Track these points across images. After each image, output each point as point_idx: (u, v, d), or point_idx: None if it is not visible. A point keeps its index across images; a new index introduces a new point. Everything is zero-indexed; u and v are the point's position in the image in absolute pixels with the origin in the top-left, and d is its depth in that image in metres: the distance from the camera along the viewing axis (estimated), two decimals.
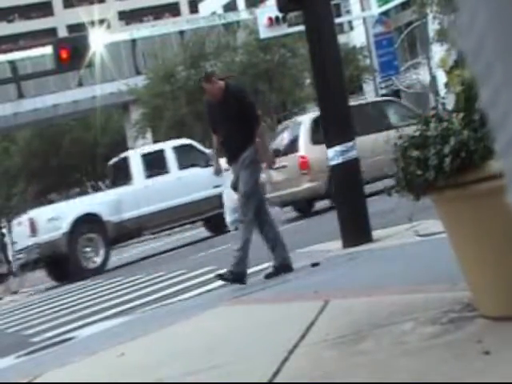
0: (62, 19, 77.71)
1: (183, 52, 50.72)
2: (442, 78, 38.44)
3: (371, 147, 14.15)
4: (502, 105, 0.78)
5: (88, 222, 19.26)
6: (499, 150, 0.83)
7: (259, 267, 10.88)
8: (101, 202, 19.83)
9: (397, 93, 45.06)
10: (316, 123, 14.77)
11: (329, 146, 8.91)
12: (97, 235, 19.35)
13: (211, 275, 10.84)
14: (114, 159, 22.75)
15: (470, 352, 3.23)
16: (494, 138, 0.83)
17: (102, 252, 19.51)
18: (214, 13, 64.14)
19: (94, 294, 14.94)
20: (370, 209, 8.91)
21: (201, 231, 26.22)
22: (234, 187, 8.63)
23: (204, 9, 69.04)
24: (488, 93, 0.80)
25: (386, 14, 45.10)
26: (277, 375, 3.75)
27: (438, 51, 39.25)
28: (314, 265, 7.99)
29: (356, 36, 49.61)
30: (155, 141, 51.68)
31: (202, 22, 59.50)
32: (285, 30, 33.73)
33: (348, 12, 48.56)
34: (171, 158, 20.47)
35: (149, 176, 20.26)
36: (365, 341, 3.91)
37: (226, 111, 8.39)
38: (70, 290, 17.81)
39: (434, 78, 41.01)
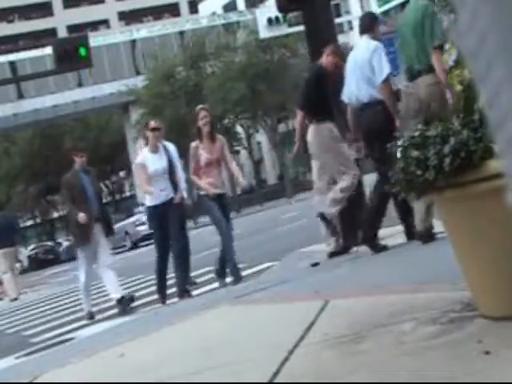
0: (61, 19, 77.71)
1: (183, 52, 50.77)
2: None
3: None
4: (502, 105, 0.78)
5: None
6: (499, 151, 0.83)
7: (259, 267, 10.92)
8: None
9: (397, 93, 44.96)
10: None
11: None
12: None
13: (211, 275, 10.86)
14: None
15: (470, 352, 3.23)
16: (494, 139, 0.82)
17: None
18: (214, 13, 64.14)
19: (94, 294, 14.94)
20: None
21: (201, 231, 26.23)
22: None
23: (204, 9, 69.07)
24: (488, 93, 0.79)
25: (385, 13, 45.08)
26: (277, 375, 3.75)
27: None
28: (314, 265, 8.00)
29: (356, 36, 49.58)
30: None
31: (202, 22, 59.52)
32: (285, 30, 33.79)
33: (348, 12, 48.57)
34: None
35: None
36: (365, 341, 3.91)
37: None
38: (70, 291, 17.80)
39: None
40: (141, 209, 36.32)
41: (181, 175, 9.93)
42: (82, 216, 10.05)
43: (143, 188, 9.75)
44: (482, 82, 0.80)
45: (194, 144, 9.49)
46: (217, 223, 9.44)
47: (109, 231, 10.70)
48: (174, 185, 9.60)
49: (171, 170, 9.59)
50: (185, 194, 9.83)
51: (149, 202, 9.61)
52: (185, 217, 9.97)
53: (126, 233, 36.98)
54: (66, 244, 48.29)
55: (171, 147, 10.05)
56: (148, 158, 9.58)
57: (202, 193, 9.39)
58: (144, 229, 32.95)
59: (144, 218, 34.22)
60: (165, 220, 9.44)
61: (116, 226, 34.98)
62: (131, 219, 38.28)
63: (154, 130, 9.66)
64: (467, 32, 0.79)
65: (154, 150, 9.58)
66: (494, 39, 0.76)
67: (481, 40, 0.77)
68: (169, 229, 9.45)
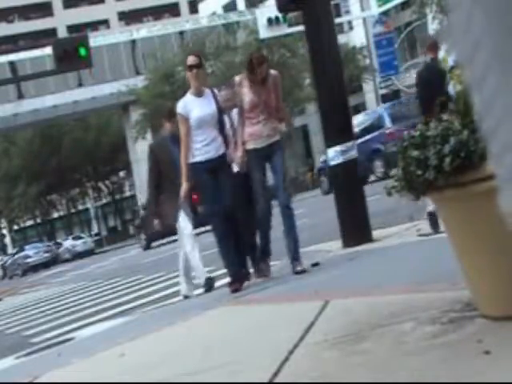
0: (61, 19, 77.72)
1: (183, 52, 50.76)
2: None
3: None
4: (496, 112, 0.77)
5: None
6: (493, 157, 0.82)
7: None
8: None
9: (397, 93, 45.07)
10: None
11: (329, 146, 8.91)
12: None
13: (211, 275, 10.84)
14: None
15: (470, 352, 3.23)
16: (488, 145, 0.82)
17: None
18: (214, 13, 64.17)
19: (94, 294, 14.96)
20: (370, 209, 8.92)
21: (200, 231, 26.14)
22: None
23: (204, 9, 69.08)
24: (482, 100, 0.79)
25: (385, 13, 45.12)
26: (277, 375, 3.75)
27: None
28: (314, 265, 7.99)
29: (356, 36, 49.64)
30: None
31: (202, 22, 59.54)
32: (285, 29, 33.82)
33: (348, 12, 48.60)
34: None
35: None
36: (365, 341, 3.91)
37: None
38: (70, 291, 17.82)
39: None
40: (28, 247, 53.76)
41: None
42: (156, 224, 9.01)
43: (183, 147, 7.55)
44: (477, 88, 0.79)
45: (237, 78, 7.48)
46: (255, 193, 7.47)
47: (195, 208, 8.95)
48: (225, 139, 7.62)
49: (221, 120, 7.58)
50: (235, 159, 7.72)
51: (192, 157, 7.58)
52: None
53: (18, 264, 51.02)
54: (68, 243, 51.41)
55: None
56: (190, 102, 7.56)
57: (246, 147, 7.40)
58: (31, 260, 49.40)
59: (31, 251, 50.86)
60: (215, 183, 7.48)
61: (11, 259, 51.74)
62: (21, 254, 52.45)
63: (191, 67, 7.59)
64: (462, 38, 0.78)
65: (198, 93, 7.55)
66: (487, 46, 0.75)
67: (475, 47, 0.76)
68: (222, 197, 7.48)
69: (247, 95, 7.32)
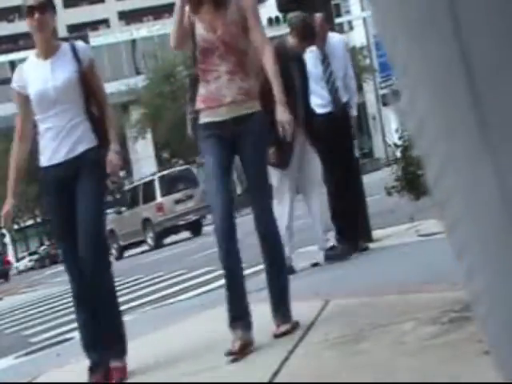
0: (61, 19, 77.71)
1: (183, 52, 50.78)
2: None
3: None
4: (446, 183, 0.78)
5: None
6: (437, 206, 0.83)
7: (259, 267, 10.92)
8: None
9: (396, 93, 45.06)
10: None
11: None
12: None
13: (211, 275, 10.86)
14: None
15: (470, 352, 3.23)
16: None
17: None
18: None
19: None
20: (370, 209, 8.92)
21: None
22: None
23: None
24: (433, 171, 0.80)
25: None
26: (277, 375, 3.74)
27: None
28: (314, 265, 7.99)
29: (356, 36, 49.65)
30: (155, 141, 51.91)
31: None
32: (285, 29, 33.83)
33: (348, 12, 48.64)
34: None
35: None
36: (365, 341, 3.90)
37: None
38: (69, 291, 17.81)
39: None
40: None
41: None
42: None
43: (14, 144, 5.20)
44: (426, 162, 0.80)
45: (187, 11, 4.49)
46: (211, 207, 4.59)
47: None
48: (98, 124, 4.75)
49: (91, 93, 4.77)
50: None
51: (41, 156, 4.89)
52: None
53: None
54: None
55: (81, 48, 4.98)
56: (30, 69, 4.84)
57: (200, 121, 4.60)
58: None
59: None
60: (68, 207, 4.71)
61: None
62: None
63: (32, 9, 4.64)
64: (409, 112, 0.79)
65: (45, 52, 4.81)
66: (434, 121, 0.76)
67: (422, 121, 0.77)
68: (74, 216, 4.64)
69: (198, 32, 4.48)
